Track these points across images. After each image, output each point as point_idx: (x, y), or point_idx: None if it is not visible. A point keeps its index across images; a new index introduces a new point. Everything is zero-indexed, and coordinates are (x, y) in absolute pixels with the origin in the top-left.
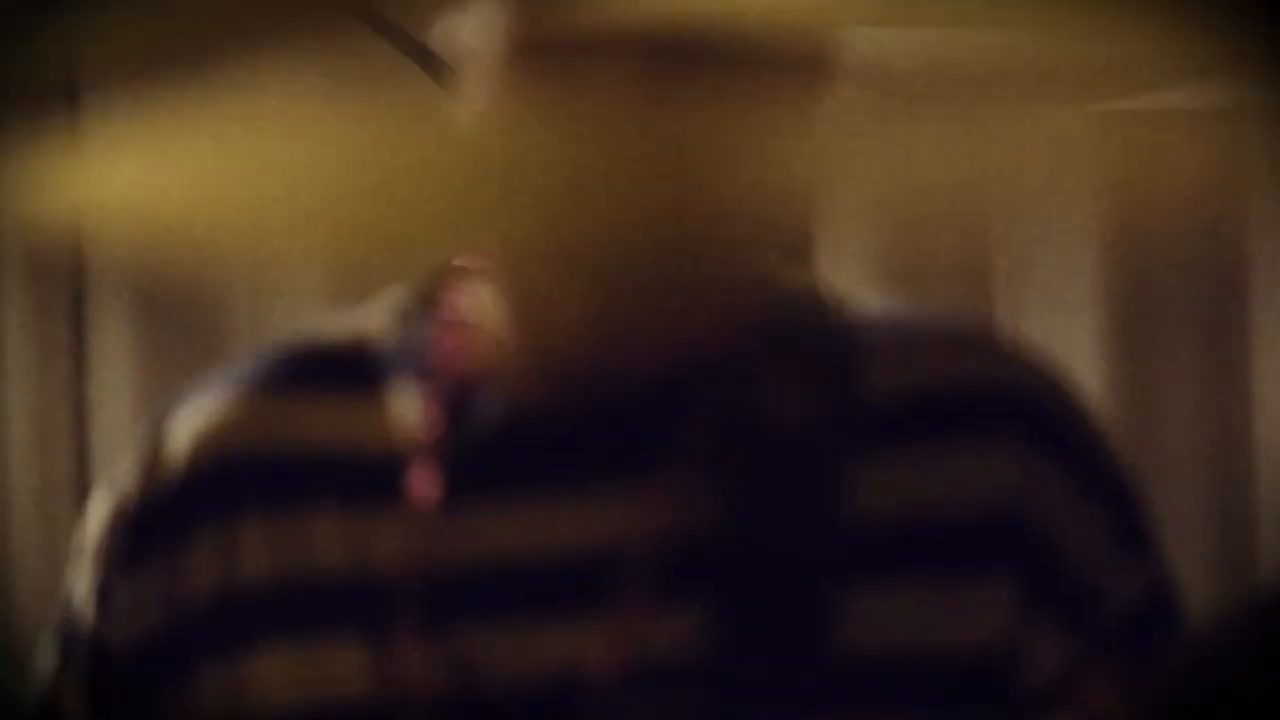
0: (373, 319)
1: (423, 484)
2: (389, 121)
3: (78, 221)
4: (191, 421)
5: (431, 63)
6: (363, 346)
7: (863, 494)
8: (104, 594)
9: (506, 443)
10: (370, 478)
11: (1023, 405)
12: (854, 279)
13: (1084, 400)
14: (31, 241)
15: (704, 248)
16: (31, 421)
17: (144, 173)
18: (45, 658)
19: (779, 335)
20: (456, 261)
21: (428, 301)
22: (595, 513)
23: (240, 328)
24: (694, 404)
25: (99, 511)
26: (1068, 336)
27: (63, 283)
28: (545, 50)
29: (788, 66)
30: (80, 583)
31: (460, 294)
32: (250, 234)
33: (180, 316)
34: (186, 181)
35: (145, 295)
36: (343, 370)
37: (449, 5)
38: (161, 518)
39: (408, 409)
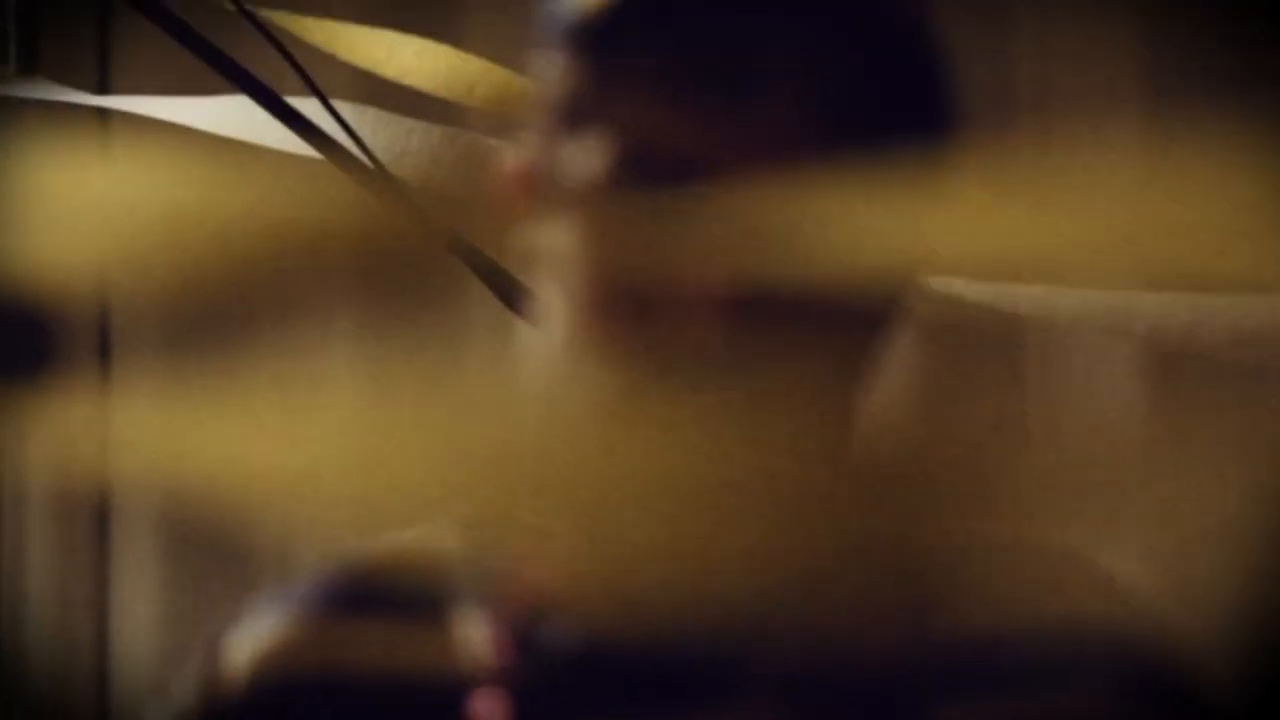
0: (439, 538)
1: (489, 713)
2: (433, 371)
3: (105, 462)
4: (250, 641)
5: (508, 288)
6: (428, 566)
7: None
8: None
9: (577, 672)
10: (434, 705)
11: (1118, 650)
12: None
13: (1183, 642)
14: (60, 481)
15: (784, 492)
16: (55, 653)
17: (173, 418)
18: None
19: (860, 564)
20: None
21: (495, 523)
22: None
23: (268, 553)
24: (771, 634)
25: None
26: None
27: (89, 517)
28: (622, 297)
29: (863, 313)
30: None
31: (529, 518)
32: (280, 482)
33: (205, 544)
34: (217, 427)
35: (170, 527)
36: (406, 591)
37: (525, 232)
38: None
39: (474, 634)
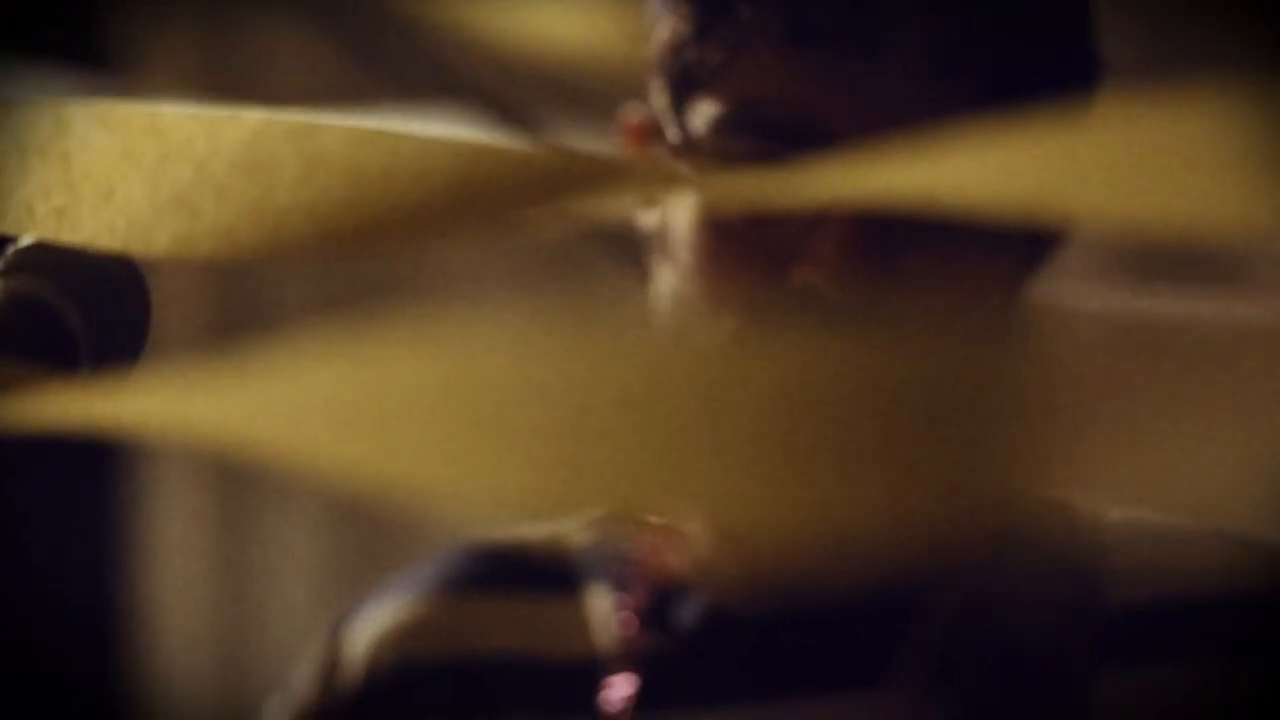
0: (566, 529)
1: (618, 693)
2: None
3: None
4: (373, 625)
5: (628, 256)
6: (556, 549)
7: (1102, 710)
8: None
9: (710, 652)
10: (562, 685)
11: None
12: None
13: None
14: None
15: (927, 461)
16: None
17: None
18: None
19: (1016, 541)
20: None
21: (621, 512)
22: None
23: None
24: (922, 612)
25: (276, 718)
26: None
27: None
28: (739, 233)
29: (995, 244)
30: None
31: (655, 498)
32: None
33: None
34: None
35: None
36: (534, 572)
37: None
38: None
39: (603, 614)
